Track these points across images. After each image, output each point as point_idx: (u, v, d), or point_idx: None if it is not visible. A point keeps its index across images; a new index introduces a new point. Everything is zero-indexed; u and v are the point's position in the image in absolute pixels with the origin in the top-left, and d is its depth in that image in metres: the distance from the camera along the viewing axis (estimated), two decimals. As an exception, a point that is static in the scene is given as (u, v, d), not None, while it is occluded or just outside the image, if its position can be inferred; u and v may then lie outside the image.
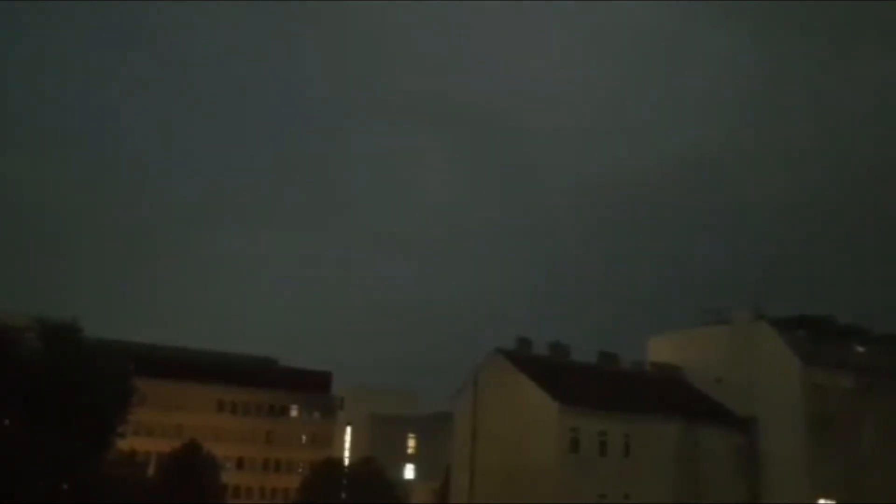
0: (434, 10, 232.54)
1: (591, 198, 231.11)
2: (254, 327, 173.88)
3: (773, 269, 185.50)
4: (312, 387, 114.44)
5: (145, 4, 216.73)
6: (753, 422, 63.29)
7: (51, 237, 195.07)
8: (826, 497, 61.30)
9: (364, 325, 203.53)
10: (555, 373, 60.14)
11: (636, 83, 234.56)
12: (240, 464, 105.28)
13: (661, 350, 70.51)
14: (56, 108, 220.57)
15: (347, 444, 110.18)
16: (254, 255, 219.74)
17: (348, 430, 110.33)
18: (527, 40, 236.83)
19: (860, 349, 67.89)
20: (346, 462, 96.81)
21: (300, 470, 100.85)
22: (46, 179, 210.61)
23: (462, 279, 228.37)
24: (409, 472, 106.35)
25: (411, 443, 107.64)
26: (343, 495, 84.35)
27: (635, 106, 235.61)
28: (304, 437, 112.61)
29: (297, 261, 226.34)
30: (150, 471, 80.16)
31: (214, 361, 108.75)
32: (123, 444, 69.13)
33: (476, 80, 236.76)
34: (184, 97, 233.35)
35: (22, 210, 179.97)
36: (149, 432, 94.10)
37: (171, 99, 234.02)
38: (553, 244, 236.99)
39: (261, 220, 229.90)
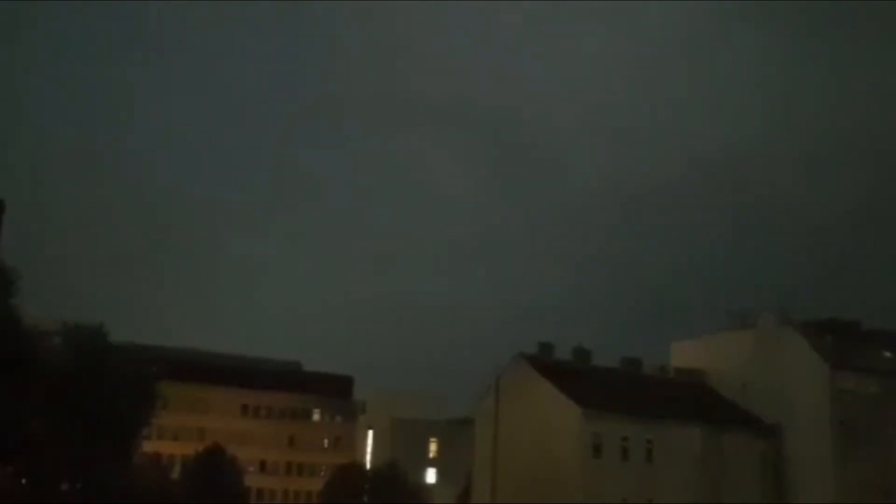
0: (456, 10, 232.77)
1: (615, 201, 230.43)
2: (277, 332, 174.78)
3: (799, 274, 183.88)
4: (335, 391, 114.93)
5: (160, 5, 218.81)
6: (778, 427, 62.74)
7: (78, 242, 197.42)
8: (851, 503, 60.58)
9: (386, 329, 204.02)
10: (577, 377, 60.01)
11: (663, 85, 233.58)
12: (263, 467, 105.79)
13: (685, 355, 70.10)
14: (76, 116, 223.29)
15: (369, 448, 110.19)
16: (277, 259, 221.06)
17: (370, 433, 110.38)
18: (553, 41, 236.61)
19: (887, 354, 67.12)
20: (368, 466, 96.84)
21: (322, 473, 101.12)
22: (73, 187, 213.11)
23: (485, 283, 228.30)
24: (431, 476, 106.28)
25: (433, 447, 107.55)
26: (365, 499, 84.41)
27: (661, 108, 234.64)
28: (326, 441, 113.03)
29: (320, 265, 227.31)
30: (175, 473, 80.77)
31: (238, 366, 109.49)
32: (148, 447, 69.92)
33: (500, 81, 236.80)
34: (204, 104, 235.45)
35: (48, 216, 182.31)
36: (173, 436, 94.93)
37: (196, 109, 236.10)
38: (576, 248, 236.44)
39: (284, 225, 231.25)
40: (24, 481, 46.25)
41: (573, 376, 60.05)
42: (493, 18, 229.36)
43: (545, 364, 61.00)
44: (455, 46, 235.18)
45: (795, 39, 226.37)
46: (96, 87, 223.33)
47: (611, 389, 60.71)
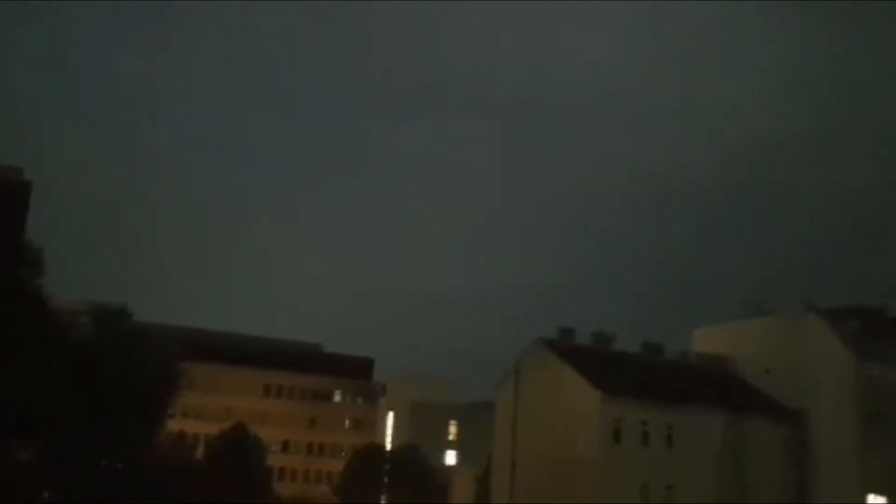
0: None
1: (638, 187, 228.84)
2: (299, 315, 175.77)
3: (823, 260, 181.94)
4: (355, 373, 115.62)
5: (190, 4, 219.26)
6: (802, 415, 62.27)
7: (101, 224, 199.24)
8: (876, 493, 60.11)
9: (408, 313, 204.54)
10: (597, 362, 59.82)
11: (690, 70, 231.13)
12: (285, 447, 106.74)
13: (707, 341, 69.69)
14: (103, 97, 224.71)
15: (390, 430, 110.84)
16: (300, 245, 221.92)
17: (391, 415, 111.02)
18: (576, 25, 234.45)
19: (914, 342, 66.29)
20: (389, 447, 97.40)
21: (343, 454, 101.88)
22: (96, 169, 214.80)
23: (507, 268, 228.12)
24: (451, 458, 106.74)
25: (452, 430, 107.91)
26: (385, 479, 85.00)
27: (687, 94, 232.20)
28: (347, 422, 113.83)
29: (341, 251, 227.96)
30: (199, 452, 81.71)
31: (261, 347, 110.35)
32: (173, 426, 70.69)
33: (526, 68, 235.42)
34: (231, 90, 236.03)
35: (73, 198, 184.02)
36: (197, 415, 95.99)
37: (219, 93, 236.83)
38: (597, 234, 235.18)
39: (307, 209, 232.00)
40: (51, 457, 46.92)
41: (593, 360, 59.86)
42: (514, 4, 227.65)
43: (565, 348, 60.86)
44: (475, 32, 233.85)
45: (833, 29, 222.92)
46: (124, 72, 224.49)
47: (631, 374, 60.48)
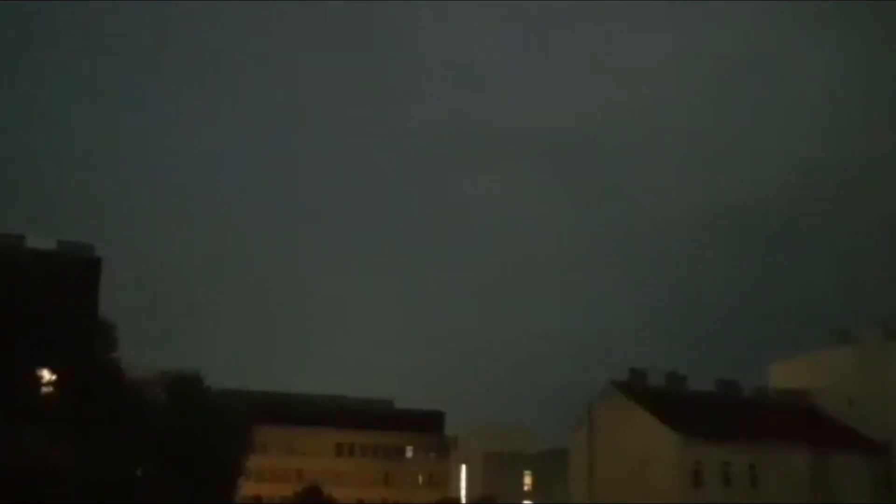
0: (523, 37, 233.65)
1: (702, 223, 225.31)
2: (367, 369, 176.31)
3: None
4: (427, 427, 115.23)
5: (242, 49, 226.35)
6: (890, 447, 59.80)
7: (170, 291, 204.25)
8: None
9: (476, 361, 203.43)
10: (673, 403, 58.61)
11: (741, 103, 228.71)
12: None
13: (784, 375, 67.78)
14: (168, 167, 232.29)
15: (464, 483, 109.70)
16: (369, 294, 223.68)
17: (463, 468, 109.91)
18: (625, 63, 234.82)
19: None
20: (464, 501, 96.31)
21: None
22: (164, 239, 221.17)
23: (572, 311, 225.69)
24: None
25: (527, 479, 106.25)
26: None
27: (747, 124, 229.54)
28: (420, 478, 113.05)
29: (410, 300, 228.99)
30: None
31: (333, 406, 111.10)
32: (248, 490, 71.23)
33: (570, 108, 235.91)
34: (290, 145, 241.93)
35: (144, 267, 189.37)
36: (271, 478, 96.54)
37: (278, 147, 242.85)
38: (663, 273, 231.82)
39: (370, 263, 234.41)
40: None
41: (669, 402, 58.67)
42: (561, 42, 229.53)
43: (638, 390, 59.80)
44: (525, 74, 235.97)
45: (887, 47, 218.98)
46: (187, 138, 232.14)
47: (709, 414, 59.05)
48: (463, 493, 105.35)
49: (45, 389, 40.69)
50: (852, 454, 58.95)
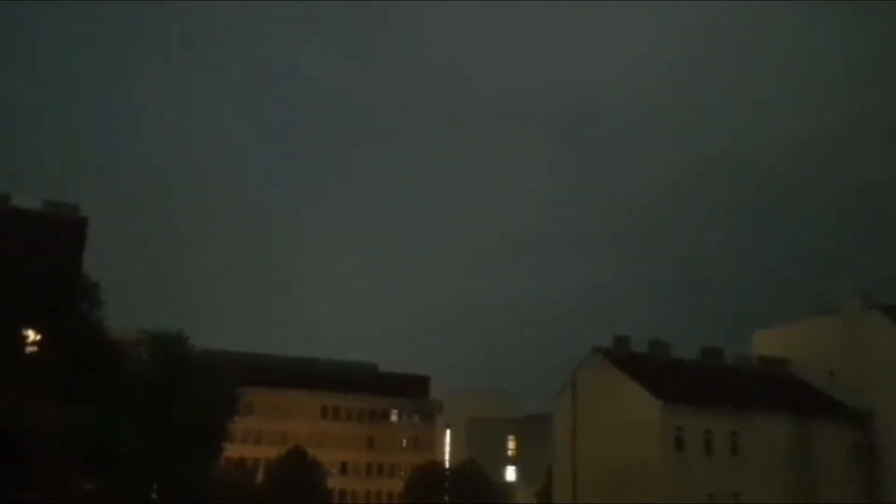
0: (523, 9, 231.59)
1: (686, 192, 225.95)
2: (353, 335, 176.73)
3: (881, 256, 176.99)
4: (412, 391, 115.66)
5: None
6: (869, 416, 60.49)
7: (157, 254, 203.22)
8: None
9: (461, 327, 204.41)
10: (656, 370, 58.90)
11: (734, 69, 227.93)
12: (343, 468, 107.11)
13: (767, 343, 68.19)
14: (154, 131, 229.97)
15: (448, 447, 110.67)
16: (353, 260, 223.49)
17: (448, 433, 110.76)
18: (621, 34, 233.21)
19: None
20: (448, 465, 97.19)
21: (402, 473, 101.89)
22: (151, 202, 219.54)
23: (558, 277, 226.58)
24: (510, 473, 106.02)
25: (511, 444, 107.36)
26: (446, 498, 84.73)
27: (740, 90, 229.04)
28: (404, 441, 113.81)
29: (392, 266, 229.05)
30: (259, 477, 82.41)
31: (316, 369, 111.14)
32: (232, 451, 71.51)
33: (577, 73, 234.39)
34: (283, 116, 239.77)
35: (128, 227, 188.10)
36: (256, 440, 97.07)
37: (275, 119, 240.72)
38: (649, 240, 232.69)
39: (361, 226, 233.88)
40: (115, 486, 47.68)
41: (652, 369, 58.96)
42: (561, 13, 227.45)
43: (622, 358, 60.05)
44: (523, 43, 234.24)
45: (850, 22, 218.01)
46: (173, 103, 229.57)
47: (692, 381, 59.43)
48: (447, 457, 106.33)
49: (28, 349, 40.47)
50: (833, 422, 59.57)
